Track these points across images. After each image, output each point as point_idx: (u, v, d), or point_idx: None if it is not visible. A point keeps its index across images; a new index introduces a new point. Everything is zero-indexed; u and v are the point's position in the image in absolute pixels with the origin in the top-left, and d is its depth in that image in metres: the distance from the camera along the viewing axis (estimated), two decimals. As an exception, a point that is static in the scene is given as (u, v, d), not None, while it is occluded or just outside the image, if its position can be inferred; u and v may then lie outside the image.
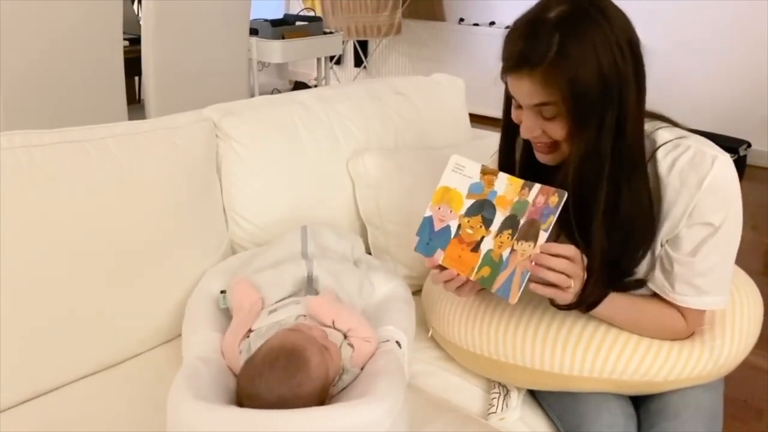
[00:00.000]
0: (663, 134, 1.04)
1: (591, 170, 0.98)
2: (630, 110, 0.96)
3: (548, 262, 0.94)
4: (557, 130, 0.99)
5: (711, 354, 1.10)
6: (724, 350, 1.11)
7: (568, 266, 0.95)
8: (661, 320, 1.09)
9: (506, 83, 1.02)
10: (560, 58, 0.91)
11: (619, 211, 1.00)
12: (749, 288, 1.23)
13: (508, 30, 0.99)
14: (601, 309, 1.05)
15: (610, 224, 1.00)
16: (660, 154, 1.03)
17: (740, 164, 3.62)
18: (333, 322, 1.05)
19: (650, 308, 1.09)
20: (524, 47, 0.94)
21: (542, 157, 1.06)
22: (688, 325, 1.10)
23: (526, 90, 0.97)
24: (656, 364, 1.07)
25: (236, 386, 0.97)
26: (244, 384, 0.95)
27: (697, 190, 1.00)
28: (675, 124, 1.08)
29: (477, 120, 2.02)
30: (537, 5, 0.97)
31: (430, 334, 1.32)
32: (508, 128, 1.10)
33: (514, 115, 1.04)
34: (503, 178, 1.02)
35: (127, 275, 1.21)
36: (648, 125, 1.03)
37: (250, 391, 0.93)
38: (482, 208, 1.03)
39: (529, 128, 1.01)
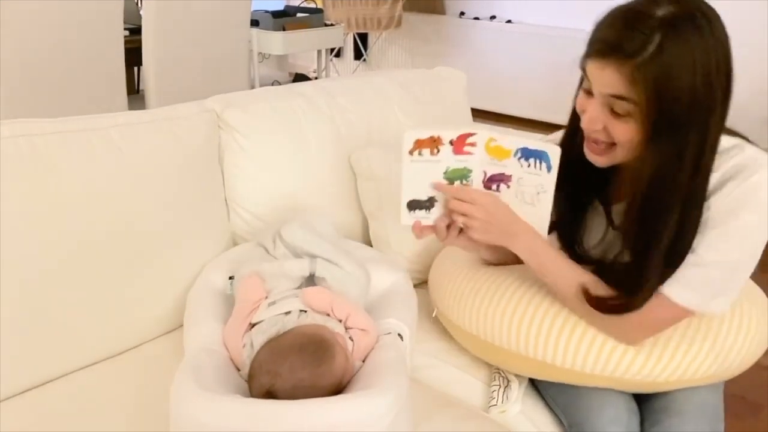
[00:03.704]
0: (722, 142, 0.97)
1: (663, 196, 0.93)
2: (710, 137, 0.91)
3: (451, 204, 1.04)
4: (622, 131, 0.94)
5: (716, 358, 1.07)
6: (731, 354, 1.08)
7: (468, 208, 1.03)
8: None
9: (583, 70, 0.97)
10: (656, 58, 0.87)
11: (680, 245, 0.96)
12: (757, 294, 1.19)
13: (605, 14, 0.93)
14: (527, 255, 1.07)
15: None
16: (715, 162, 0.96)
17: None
18: (332, 309, 1.05)
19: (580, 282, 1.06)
20: (621, 35, 0.89)
21: (592, 156, 1.02)
22: (637, 321, 1.02)
23: (607, 79, 0.92)
24: (659, 365, 1.06)
25: (252, 361, 0.98)
26: (264, 360, 0.95)
27: (739, 185, 0.95)
28: (732, 133, 1.02)
29: (476, 114, 2.02)
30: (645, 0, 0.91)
31: (434, 314, 1.32)
32: (575, 119, 1.05)
33: (579, 103, 0.99)
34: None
35: (128, 266, 1.21)
36: None
37: (269, 368, 0.93)
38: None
39: (592, 119, 0.96)
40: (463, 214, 1.05)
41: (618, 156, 0.98)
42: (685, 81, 0.87)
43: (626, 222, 1.01)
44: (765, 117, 3.85)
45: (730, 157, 0.97)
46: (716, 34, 0.89)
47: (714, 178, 0.96)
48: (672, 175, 0.92)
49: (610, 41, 0.91)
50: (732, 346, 1.08)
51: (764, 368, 1.98)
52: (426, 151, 1.07)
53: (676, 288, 0.99)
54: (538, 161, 1.02)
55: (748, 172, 0.95)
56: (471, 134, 1.06)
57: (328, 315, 1.06)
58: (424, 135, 1.07)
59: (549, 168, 1.02)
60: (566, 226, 1.12)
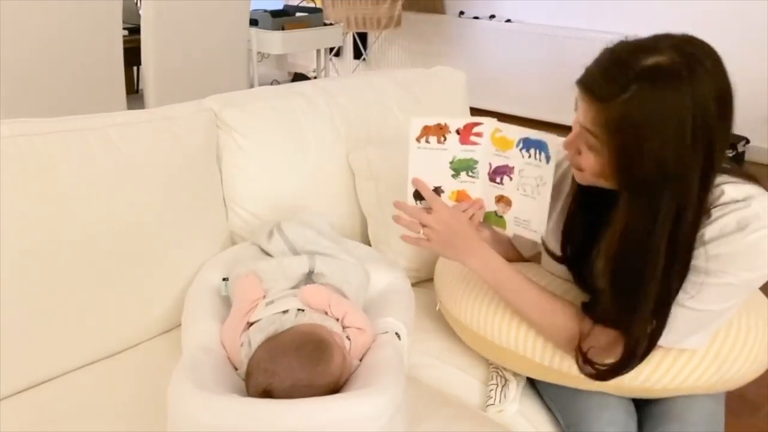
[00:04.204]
0: (729, 192, 0.94)
1: (638, 257, 0.92)
2: (690, 202, 0.89)
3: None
4: (586, 161, 0.95)
5: (718, 369, 1.06)
6: (733, 366, 1.06)
7: (428, 220, 1.07)
8: (549, 319, 1.07)
9: None
10: (623, 107, 0.86)
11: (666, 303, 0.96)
12: (763, 306, 1.15)
13: (608, 46, 0.92)
14: (487, 275, 1.09)
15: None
16: (717, 213, 0.94)
17: (738, 161, 3.63)
18: (329, 307, 1.06)
19: (541, 302, 1.08)
20: (598, 78, 0.89)
21: (574, 171, 1.03)
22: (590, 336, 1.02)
23: (582, 110, 0.93)
24: (657, 372, 1.05)
25: (249, 360, 0.98)
26: (261, 359, 0.95)
27: (739, 241, 0.92)
28: (738, 173, 0.97)
29: (476, 114, 2.01)
30: (647, 41, 0.89)
31: (438, 308, 1.32)
32: None
33: (573, 120, 0.98)
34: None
35: (126, 265, 1.21)
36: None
37: (267, 367, 0.93)
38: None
39: (569, 142, 0.98)
40: (424, 225, 1.08)
41: (588, 178, 0.98)
42: (652, 136, 0.85)
43: (603, 263, 1.00)
44: (765, 117, 3.85)
45: (736, 209, 0.93)
46: (700, 92, 0.84)
47: (715, 228, 0.93)
48: (644, 237, 0.91)
49: (588, 79, 0.91)
50: (735, 359, 1.06)
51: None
52: (433, 139, 1.08)
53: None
54: (538, 152, 1.03)
55: (749, 229, 0.92)
56: (477, 123, 1.07)
57: (326, 313, 1.06)
58: (432, 122, 1.08)
59: (548, 159, 1.02)
60: (577, 248, 1.11)
